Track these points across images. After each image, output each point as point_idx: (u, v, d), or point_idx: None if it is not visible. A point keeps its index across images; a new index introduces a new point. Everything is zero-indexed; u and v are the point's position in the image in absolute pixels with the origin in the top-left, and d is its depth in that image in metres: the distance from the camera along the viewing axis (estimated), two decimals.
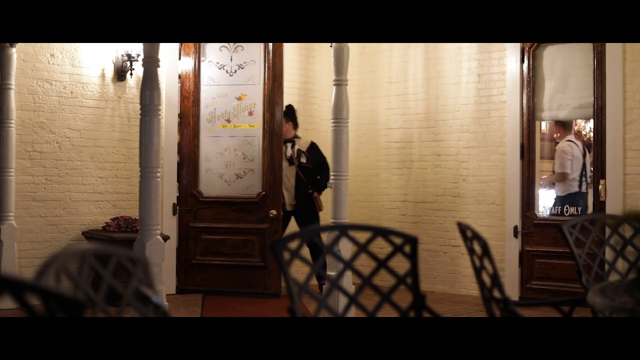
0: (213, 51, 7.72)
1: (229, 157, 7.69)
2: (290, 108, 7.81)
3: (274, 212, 7.48)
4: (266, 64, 7.62)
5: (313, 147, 7.81)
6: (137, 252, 4.80)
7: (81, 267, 1.61)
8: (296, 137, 7.78)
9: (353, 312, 4.09)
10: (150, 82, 5.05)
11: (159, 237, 5.04)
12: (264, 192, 7.57)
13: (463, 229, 2.59)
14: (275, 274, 7.49)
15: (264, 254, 7.52)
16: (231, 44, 7.69)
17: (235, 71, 7.68)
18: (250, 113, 7.66)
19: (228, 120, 7.69)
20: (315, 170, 7.70)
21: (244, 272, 7.55)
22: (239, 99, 7.67)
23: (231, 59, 7.69)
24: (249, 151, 7.66)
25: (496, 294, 2.55)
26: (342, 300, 4.73)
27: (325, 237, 5.05)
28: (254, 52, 7.64)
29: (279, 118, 7.60)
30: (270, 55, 7.60)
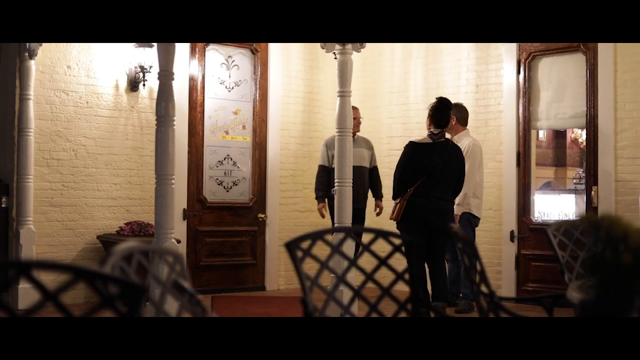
0: (215, 67, 8.35)
1: (227, 165, 8.47)
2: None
3: (261, 215, 8.49)
4: (255, 84, 8.52)
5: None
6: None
7: (130, 261, 1.93)
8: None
9: (356, 305, 4.41)
10: (165, 95, 5.34)
11: (173, 240, 5.34)
12: (255, 198, 8.53)
13: (454, 232, 2.90)
14: (261, 270, 8.57)
15: (255, 253, 8.53)
16: (230, 61, 8.41)
17: (233, 87, 8.47)
18: (244, 127, 8.56)
19: (227, 132, 8.47)
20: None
21: (238, 270, 8.47)
22: (235, 113, 8.50)
23: (229, 76, 8.43)
24: (242, 161, 8.55)
25: (485, 290, 2.85)
26: (347, 294, 5.03)
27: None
28: (246, 72, 8.50)
29: (265, 133, 8.57)
30: (258, 77, 8.52)
